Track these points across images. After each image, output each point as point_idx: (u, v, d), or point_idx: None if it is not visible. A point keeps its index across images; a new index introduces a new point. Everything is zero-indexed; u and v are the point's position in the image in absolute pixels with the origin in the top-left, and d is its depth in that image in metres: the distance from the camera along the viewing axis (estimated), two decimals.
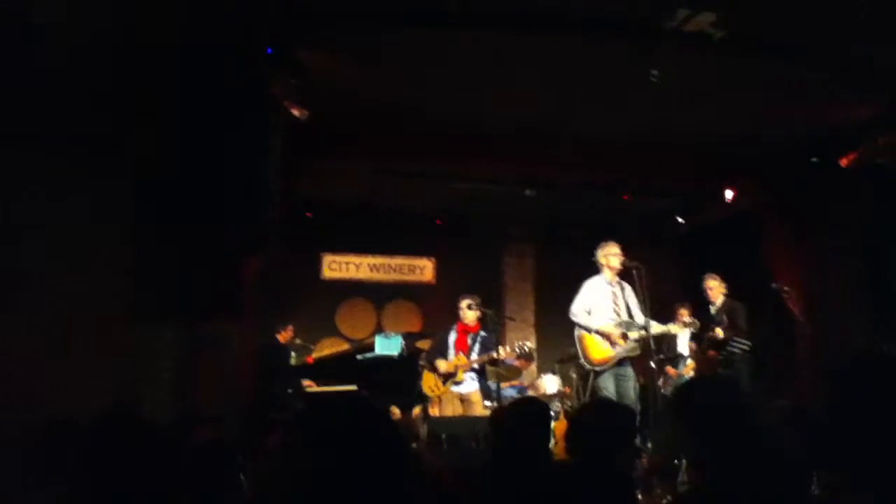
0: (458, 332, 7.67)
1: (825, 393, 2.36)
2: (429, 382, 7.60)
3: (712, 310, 7.67)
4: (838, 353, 7.31)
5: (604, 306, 6.87)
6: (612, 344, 6.70)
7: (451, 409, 7.44)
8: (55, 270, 4.61)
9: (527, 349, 8.11)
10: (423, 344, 8.63)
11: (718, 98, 6.50)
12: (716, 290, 7.67)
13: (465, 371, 7.46)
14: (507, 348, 7.75)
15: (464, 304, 7.58)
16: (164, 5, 4.87)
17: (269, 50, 5.34)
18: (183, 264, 5.37)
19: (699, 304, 7.82)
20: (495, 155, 7.80)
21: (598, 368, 6.77)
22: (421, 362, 8.01)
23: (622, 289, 6.83)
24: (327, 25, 5.42)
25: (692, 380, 4.43)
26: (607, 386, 6.70)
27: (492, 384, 8.24)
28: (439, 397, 7.50)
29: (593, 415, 3.11)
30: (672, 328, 7.08)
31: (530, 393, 9.01)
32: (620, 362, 6.71)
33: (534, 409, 3.36)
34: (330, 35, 5.59)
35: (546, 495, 2.61)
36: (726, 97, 6.50)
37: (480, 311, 7.60)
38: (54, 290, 4.58)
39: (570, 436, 3.06)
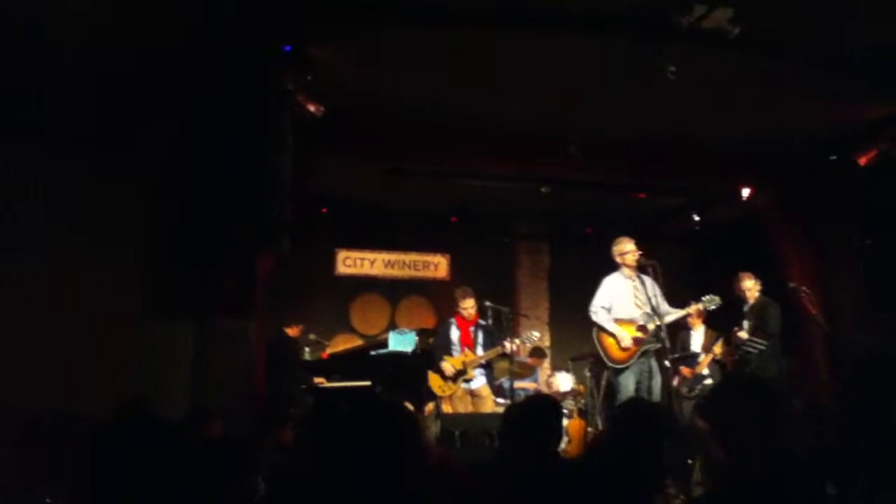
0: (459, 327, 7.56)
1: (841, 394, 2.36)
2: (436, 383, 7.47)
3: (745, 308, 7.60)
4: (850, 354, 7.27)
5: (625, 302, 6.81)
6: (624, 348, 6.64)
7: (463, 406, 7.39)
8: (70, 269, 4.64)
9: (535, 338, 8.04)
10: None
11: (733, 96, 6.45)
12: (752, 289, 7.60)
13: (474, 367, 7.41)
14: (517, 340, 7.64)
15: (469, 302, 7.48)
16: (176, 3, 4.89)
17: (287, 48, 5.35)
18: (196, 261, 5.39)
19: (730, 303, 7.71)
20: (509, 153, 7.76)
21: (618, 366, 6.70)
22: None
23: (643, 282, 6.72)
24: (340, 22, 5.41)
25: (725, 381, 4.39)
26: (627, 384, 6.62)
27: (505, 382, 8.20)
28: (450, 396, 7.45)
29: (627, 417, 3.08)
30: (691, 309, 7.03)
31: (544, 392, 8.98)
32: (643, 357, 6.64)
33: (544, 406, 3.34)
34: (342, 32, 5.58)
35: (555, 494, 2.60)
36: (740, 95, 6.45)
37: (478, 303, 7.54)
38: (68, 289, 4.61)
39: (604, 434, 3.05)
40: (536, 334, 8.07)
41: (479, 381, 7.47)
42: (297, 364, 8.29)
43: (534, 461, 2.83)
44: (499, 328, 7.63)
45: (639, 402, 3.90)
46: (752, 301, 7.58)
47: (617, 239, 6.97)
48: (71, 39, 4.62)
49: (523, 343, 7.83)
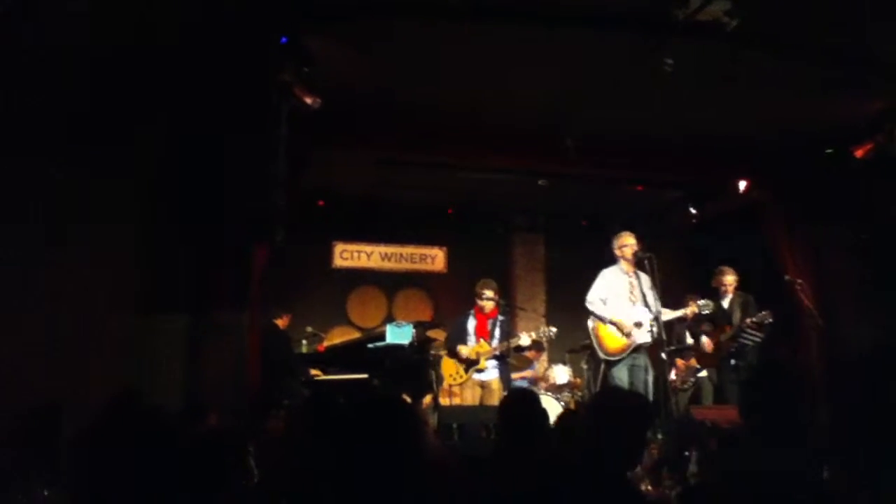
0: (476, 317, 7.60)
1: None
2: (450, 370, 7.52)
3: (725, 303, 7.63)
4: (845, 347, 7.29)
5: (620, 296, 6.87)
6: (626, 334, 6.70)
7: (472, 397, 7.41)
8: (66, 263, 4.65)
9: (552, 333, 8.01)
10: (435, 333, 8.60)
11: (729, 90, 6.43)
12: (733, 283, 7.65)
13: (487, 358, 7.44)
14: (533, 334, 7.66)
15: (487, 293, 7.51)
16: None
17: (284, 39, 5.33)
18: (191, 254, 5.39)
19: (709, 296, 7.74)
20: (506, 146, 7.75)
21: (612, 359, 6.77)
22: (437, 352, 7.98)
23: (638, 279, 6.78)
24: (338, 15, 5.39)
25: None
26: (621, 376, 6.71)
27: None
28: (461, 384, 7.48)
29: (604, 403, 3.07)
30: (686, 311, 7.05)
31: (541, 384, 8.99)
32: (635, 352, 6.70)
33: (519, 400, 3.36)
34: (340, 25, 5.56)
35: (542, 485, 2.60)
36: (738, 89, 6.43)
37: (497, 299, 7.57)
38: (66, 283, 4.62)
39: (579, 423, 3.05)
40: (553, 329, 7.99)
41: (491, 373, 7.47)
42: (289, 355, 8.29)
43: (523, 453, 2.84)
44: (503, 313, 7.69)
45: (607, 394, 3.89)
46: (731, 295, 7.63)
47: (618, 233, 7.04)
48: (71, 39, 4.61)
49: (540, 338, 7.85)
